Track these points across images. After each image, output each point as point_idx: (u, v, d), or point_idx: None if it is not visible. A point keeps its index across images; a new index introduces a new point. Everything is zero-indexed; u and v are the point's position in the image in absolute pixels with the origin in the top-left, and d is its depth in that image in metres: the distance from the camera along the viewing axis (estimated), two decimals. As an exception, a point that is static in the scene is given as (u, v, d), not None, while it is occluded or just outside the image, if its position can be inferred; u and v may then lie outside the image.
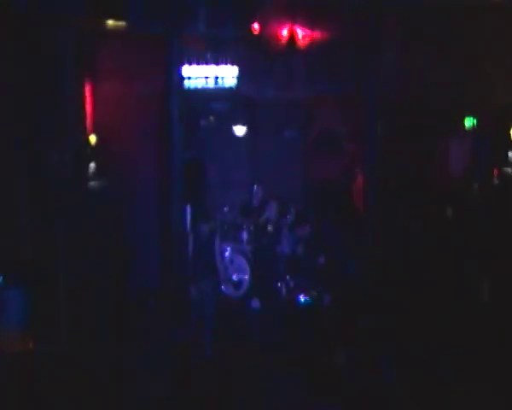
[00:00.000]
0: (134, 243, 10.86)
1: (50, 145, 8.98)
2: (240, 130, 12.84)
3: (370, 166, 11.20)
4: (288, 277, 11.11)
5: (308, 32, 11.91)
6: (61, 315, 8.59)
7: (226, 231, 11.30)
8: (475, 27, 11.23)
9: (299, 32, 11.86)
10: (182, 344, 9.17)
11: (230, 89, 12.00)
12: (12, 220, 8.80)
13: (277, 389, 7.95)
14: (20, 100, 8.84)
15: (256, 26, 11.65)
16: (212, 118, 12.81)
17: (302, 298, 11.04)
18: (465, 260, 10.24)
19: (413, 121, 11.81)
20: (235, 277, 11.01)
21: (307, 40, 11.98)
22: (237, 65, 11.90)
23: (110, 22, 10.26)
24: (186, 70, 11.41)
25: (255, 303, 10.78)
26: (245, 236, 11.39)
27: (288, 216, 11.42)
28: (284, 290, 11.10)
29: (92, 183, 10.32)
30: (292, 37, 11.81)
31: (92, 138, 10.85)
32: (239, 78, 11.93)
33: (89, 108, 10.98)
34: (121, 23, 10.34)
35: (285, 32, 11.81)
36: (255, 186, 11.64)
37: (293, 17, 11.87)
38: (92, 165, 10.45)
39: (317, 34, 11.91)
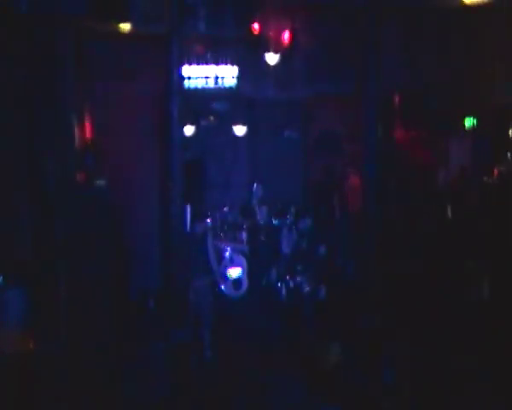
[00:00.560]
0: (134, 243, 10.86)
1: (50, 145, 8.98)
2: (240, 130, 12.85)
3: (370, 167, 11.19)
4: (288, 277, 11.10)
5: (308, 31, 11.93)
6: (60, 315, 8.58)
7: (226, 231, 11.30)
8: (475, 27, 11.24)
9: (299, 32, 11.89)
10: (181, 345, 9.18)
11: (230, 89, 12.01)
12: (12, 220, 8.79)
13: (277, 389, 7.95)
14: (20, 100, 8.84)
15: (256, 26, 11.66)
16: (212, 118, 12.82)
17: (302, 298, 11.04)
18: (465, 259, 10.24)
19: (413, 121, 11.83)
20: (235, 277, 11.01)
21: (307, 40, 12.00)
22: (237, 65, 11.91)
23: (110, 22, 10.26)
24: (186, 70, 11.41)
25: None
26: (245, 236, 11.39)
27: (288, 216, 11.42)
28: (284, 291, 11.09)
29: (92, 183, 10.32)
30: (292, 37, 11.83)
31: (92, 139, 10.86)
32: (239, 78, 11.94)
33: (89, 108, 10.98)
34: (121, 23, 10.33)
35: (285, 32, 11.84)
36: (255, 186, 11.64)
37: (293, 17, 11.89)
38: (92, 165, 10.44)
39: (317, 34, 11.92)
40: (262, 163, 12.58)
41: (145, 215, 11.34)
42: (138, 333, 9.52)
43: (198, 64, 11.81)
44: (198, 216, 10.06)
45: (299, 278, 11.01)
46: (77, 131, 10.13)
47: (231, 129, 12.75)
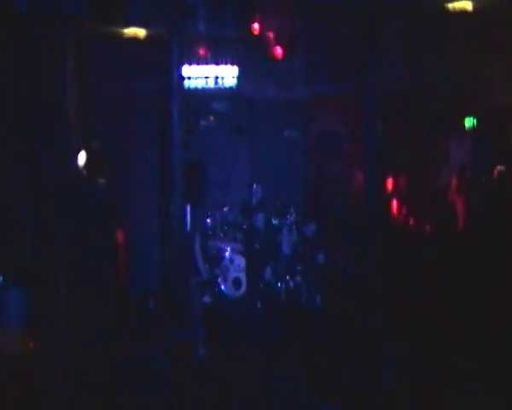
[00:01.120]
0: (134, 244, 10.85)
1: (50, 145, 8.97)
2: (240, 130, 12.84)
3: (370, 167, 11.17)
4: (287, 277, 11.11)
5: (308, 31, 11.93)
6: (61, 315, 8.58)
7: (226, 231, 11.31)
8: (476, 27, 11.23)
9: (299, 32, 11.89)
10: (180, 344, 9.17)
11: (230, 89, 12.01)
12: (12, 221, 8.79)
13: (277, 389, 7.95)
14: (20, 100, 8.84)
15: (256, 26, 11.66)
16: (212, 118, 12.81)
17: (302, 297, 11.05)
18: (464, 259, 10.24)
19: (413, 121, 11.83)
20: (234, 276, 11.02)
21: (307, 40, 12.00)
22: (237, 65, 11.91)
23: (110, 24, 10.27)
24: (186, 70, 11.41)
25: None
26: (245, 236, 11.39)
27: (288, 216, 11.43)
28: (284, 290, 11.10)
29: (92, 183, 10.30)
30: (292, 37, 11.84)
31: (92, 139, 10.84)
32: (239, 78, 11.94)
33: (89, 108, 10.98)
34: (121, 24, 10.34)
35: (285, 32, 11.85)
36: (254, 186, 11.64)
37: (293, 17, 11.90)
38: (92, 165, 10.43)
39: (317, 34, 11.92)
40: (262, 163, 12.57)
41: (145, 215, 11.34)
42: (138, 333, 9.51)
43: (198, 64, 11.81)
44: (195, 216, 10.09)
45: (299, 278, 11.04)
46: (76, 131, 10.14)
47: (231, 129, 12.75)
